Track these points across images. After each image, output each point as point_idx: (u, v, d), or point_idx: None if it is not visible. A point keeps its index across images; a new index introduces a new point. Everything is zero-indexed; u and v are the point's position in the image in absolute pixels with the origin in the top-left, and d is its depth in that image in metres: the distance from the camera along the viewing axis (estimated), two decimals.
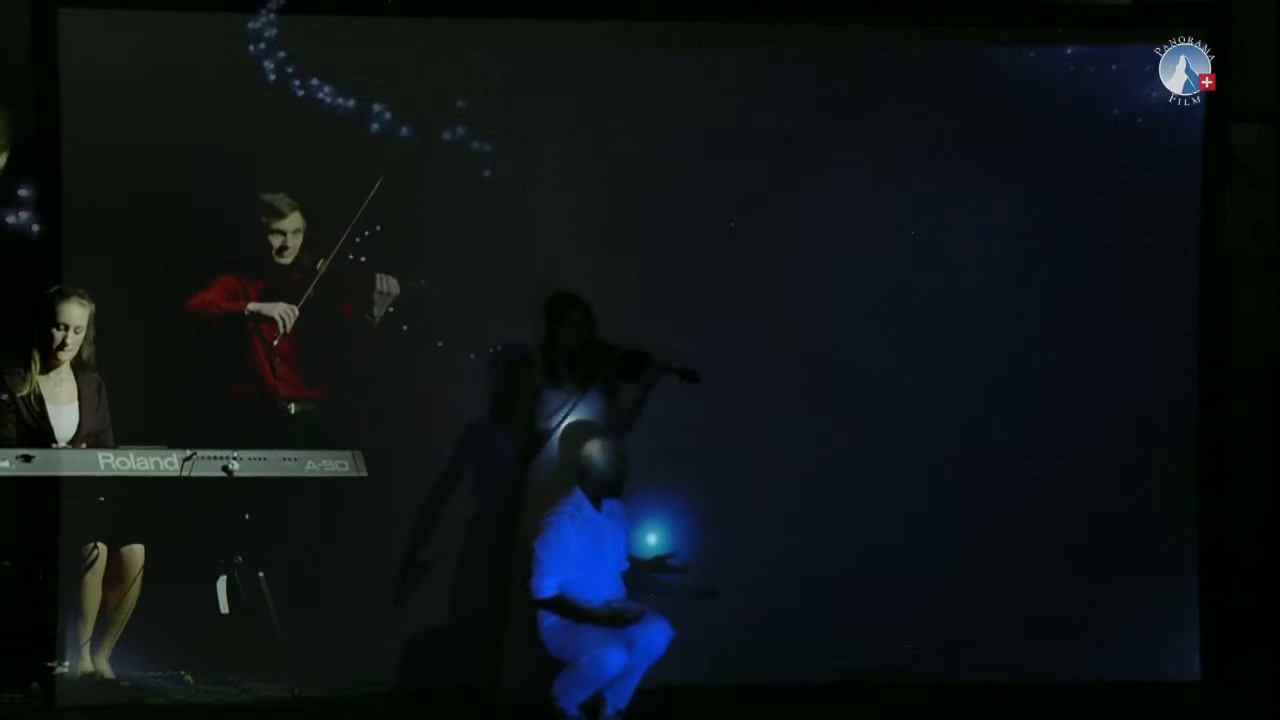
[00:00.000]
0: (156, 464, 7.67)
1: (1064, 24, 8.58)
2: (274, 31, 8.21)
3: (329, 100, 8.26)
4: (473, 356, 8.37)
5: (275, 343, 8.27)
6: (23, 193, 8.18)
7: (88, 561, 8.05)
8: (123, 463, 7.65)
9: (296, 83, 8.24)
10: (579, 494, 7.68)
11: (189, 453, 7.71)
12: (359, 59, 8.29)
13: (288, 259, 8.33)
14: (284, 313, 8.29)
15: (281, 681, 8.11)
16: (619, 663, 7.41)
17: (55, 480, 7.89)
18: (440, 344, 8.39)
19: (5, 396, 7.84)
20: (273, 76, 8.23)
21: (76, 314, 7.90)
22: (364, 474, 7.93)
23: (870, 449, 8.50)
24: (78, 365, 7.96)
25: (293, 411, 8.31)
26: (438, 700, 8.14)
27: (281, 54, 8.23)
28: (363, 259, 8.32)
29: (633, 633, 7.45)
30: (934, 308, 8.54)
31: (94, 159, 8.15)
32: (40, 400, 7.87)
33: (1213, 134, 8.58)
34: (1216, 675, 8.57)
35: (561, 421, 7.94)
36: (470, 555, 8.34)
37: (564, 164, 8.41)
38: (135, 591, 8.10)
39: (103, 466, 7.65)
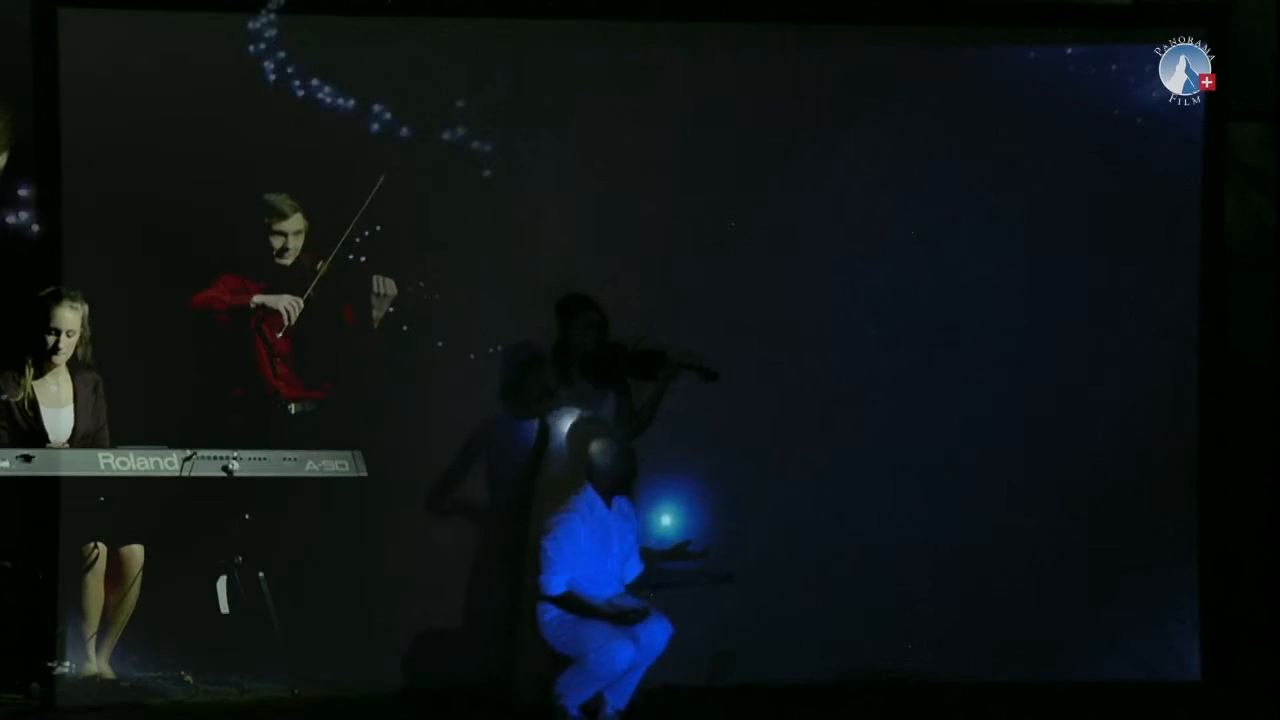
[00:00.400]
0: (156, 464, 7.69)
1: (1064, 24, 8.57)
2: (274, 31, 8.21)
3: (329, 100, 8.26)
4: (473, 356, 8.37)
5: (280, 335, 8.26)
6: (23, 193, 8.18)
7: (88, 561, 8.05)
8: (123, 463, 7.66)
9: (296, 83, 8.24)
10: (590, 491, 7.67)
11: (189, 453, 7.72)
12: (359, 59, 8.29)
13: (289, 260, 8.33)
14: (289, 304, 8.29)
15: (281, 681, 8.11)
16: (627, 657, 7.41)
17: (55, 480, 7.90)
18: (440, 344, 8.39)
19: (2, 398, 7.84)
20: (273, 76, 8.24)
21: (69, 318, 7.90)
22: (364, 474, 7.95)
23: (869, 449, 8.50)
24: (74, 365, 7.97)
25: (293, 412, 8.32)
26: (438, 700, 8.14)
27: (281, 54, 8.23)
28: (363, 259, 8.32)
29: (635, 630, 7.46)
30: (934, 308, 8.54)
31: (94, 159, 8.15)
32: (35, 405, 7.87)
33: (1213, 134, 8.58)
34: (1216, 675, 8.56)
35: (566, 414, 7.95)
36: (474, 555, 8.34)
37: (564, 164, 8.41)
38: (135, 591, 8.10)
39: (103, 466, 7.66)
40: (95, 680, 8.05)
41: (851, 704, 8.21)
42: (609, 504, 7.68)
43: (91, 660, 8.07)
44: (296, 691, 8.09)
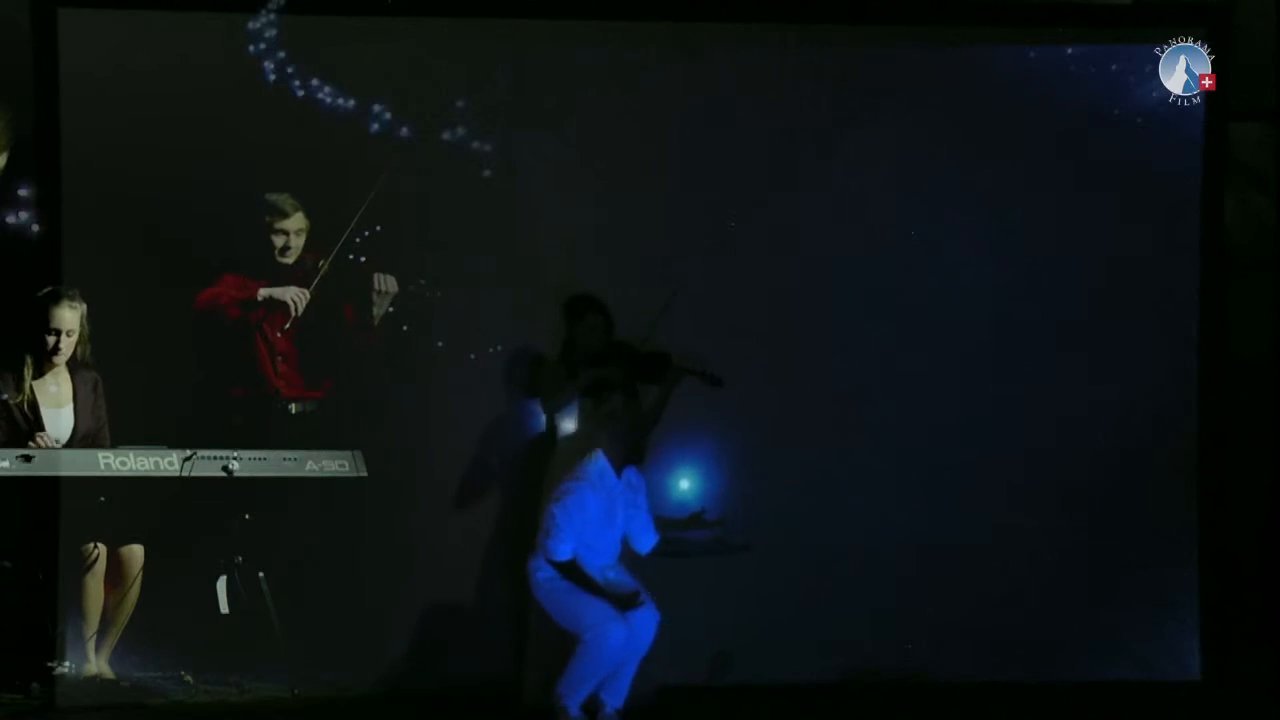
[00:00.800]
0: (156, 464, 7.69)
1: (1064, 24, 8.57)
2: (274, 31, 8.21)
3: (329, 100, 8.26)
4: (473, 356, 8.37)
5: (280, 335, 8.26)
6: (23, 193, 8.18)
7: (88, 561, 8.06)
8: (123, 463, 7.66)
9: (296, 83, 8.25)
10: (602, 459, 7.67)
11: (189, 453, 7.73)
12: (359, 59, 8.29)
13: (290, 259, 8.33)
14: (296, 295, 8.30)
15: (281, 681, 8.11)
16: (620, 636, 7.41)
17: (55, 480, 7.90)
18: (440, 344, 8.39)
19: (1, 398, 7.84)
20: (273, 76, 8.24)
21: (68, 318, 7.91)
22: (364, 474, 7.96)
23: (869, 449, 8.50)
24: (73, 364, 7.97)
25: (293, 411, 8.31)
26: (438, 700, 8.14)
27: (281, 54, 8.23)
28: (363, 259, 8.32)
29: (629, 615, 7.46)
30: (934, 308, 8.54)
31: (94, 159, 8.15)
32: (34, 406, 7.88)
33: (1213, 134, 8.57)
34: (1216, 675, 8.56)
35: (573, 413, 7.97)
36: (476, 555, 8.34)
37: (564, 164, 8.41)
38: (135, 591, 8.10)
39: (103, 466, 7.66)
40: (95, 680, 8.05)
41: (851, 704, 8.21)
42: (619, 473, 7.66)
43: (91, 660, 8.08)
44: (296, 691, 8.10)
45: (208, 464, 7.74)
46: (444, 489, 8.34)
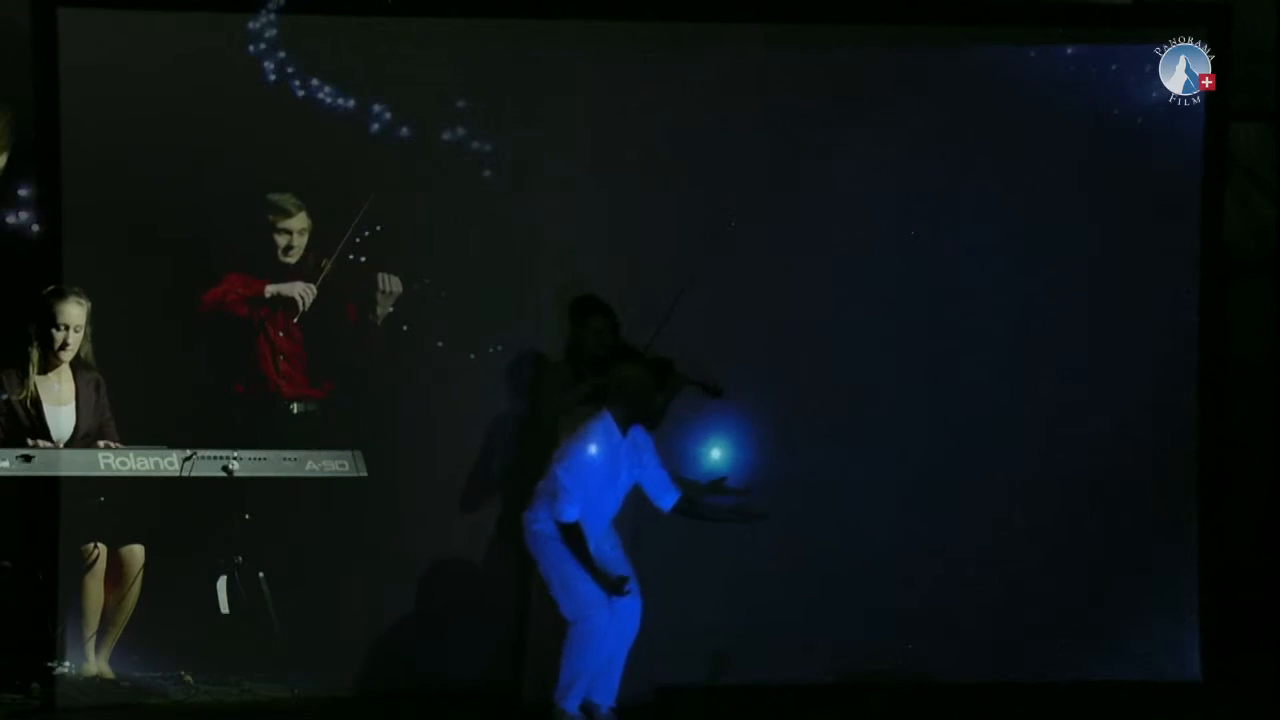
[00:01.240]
0: (156, 464, 7.69)
1: (1064, 24, 8.57)
2: (274, 31, 8.21)
3: (329, 100, 8.26)
4: (473, 356, 8.37)
5: (290, 326, 8.26)
6: (23, 193, 8.18)
7: (88, 561, 8.06)
8: (123, 463, 7.66)
9: (296, 83, 8.25)
10: (608, 419, 7.61)
11: (189, 453, 7.73)
12: (359, 59, 8.29)
13: (293, 259, 8.33)
14: (303, 291, 8.30)
15: (281, 681, 8.11)
16: (606, 623, 7.39)
17: (55, 480, 7.90)
18: (440, 344, 8.39)
19: (3, 397, 7.85)
20: (273, 76, 8.24)
21: (75, 313, 7.91)
22: (364, 474, 7.96)
23: (870, 450, 8.50)
24: (76, 363, 7.97)
25: (295, 411, 8.32)
26: (438, 700, 8.14)
27: (281, 54, 8.23)
28: (364, 259, 8.32)
29: (615, 603, 7.45)
30: (934, 308, 8.54)
31: (94, 158, 8.15)
32: (37, 402, 7.88)
33: (1213, 134, 8.57)
34: (1216, 675, 8.56)
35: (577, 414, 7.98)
36: (476, 555, 8.34)
37: (564, 164, 8.41)
38: (135, 591, 8.10)
39: (103, 466, 7.66)
40: (95, 680, 8.05)
41: (851, 704, 8.21)
42: (624, 433, 7.64)
43: (91, 660, 8.07)
44: (296, 691, 8.10)
45: (208, 464, 7.75)
46: (444, 489, 8.34)
